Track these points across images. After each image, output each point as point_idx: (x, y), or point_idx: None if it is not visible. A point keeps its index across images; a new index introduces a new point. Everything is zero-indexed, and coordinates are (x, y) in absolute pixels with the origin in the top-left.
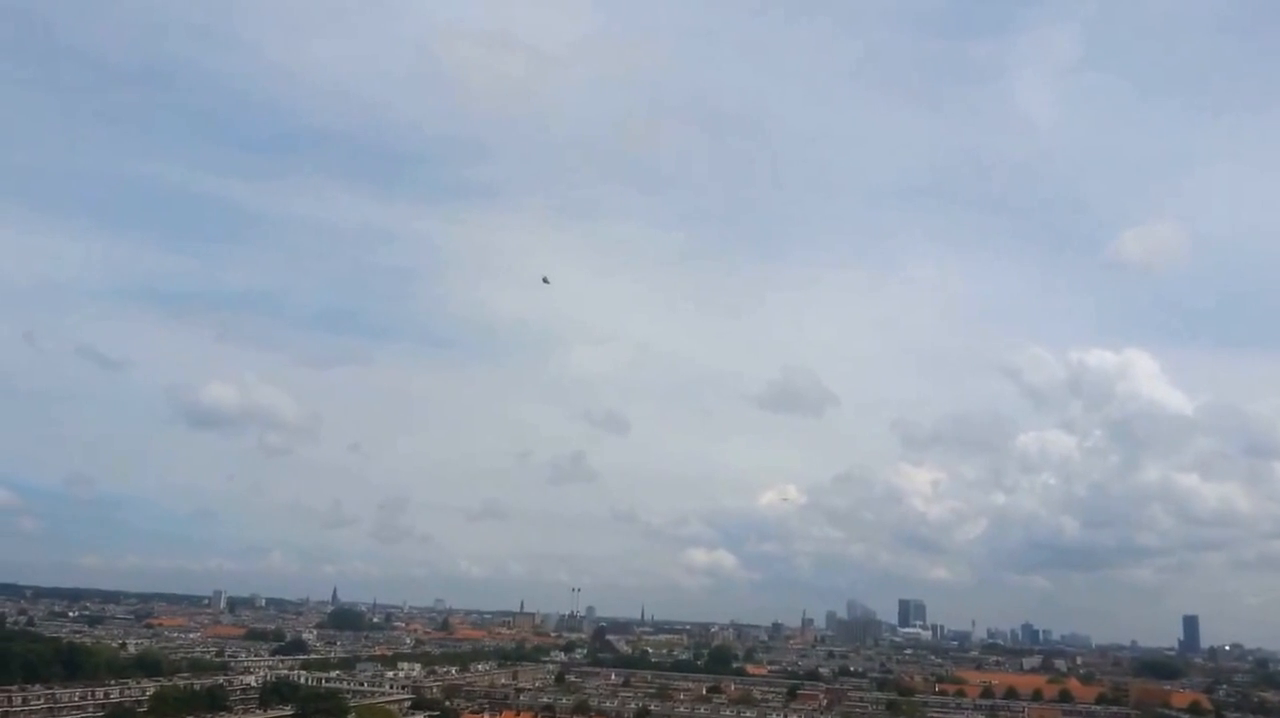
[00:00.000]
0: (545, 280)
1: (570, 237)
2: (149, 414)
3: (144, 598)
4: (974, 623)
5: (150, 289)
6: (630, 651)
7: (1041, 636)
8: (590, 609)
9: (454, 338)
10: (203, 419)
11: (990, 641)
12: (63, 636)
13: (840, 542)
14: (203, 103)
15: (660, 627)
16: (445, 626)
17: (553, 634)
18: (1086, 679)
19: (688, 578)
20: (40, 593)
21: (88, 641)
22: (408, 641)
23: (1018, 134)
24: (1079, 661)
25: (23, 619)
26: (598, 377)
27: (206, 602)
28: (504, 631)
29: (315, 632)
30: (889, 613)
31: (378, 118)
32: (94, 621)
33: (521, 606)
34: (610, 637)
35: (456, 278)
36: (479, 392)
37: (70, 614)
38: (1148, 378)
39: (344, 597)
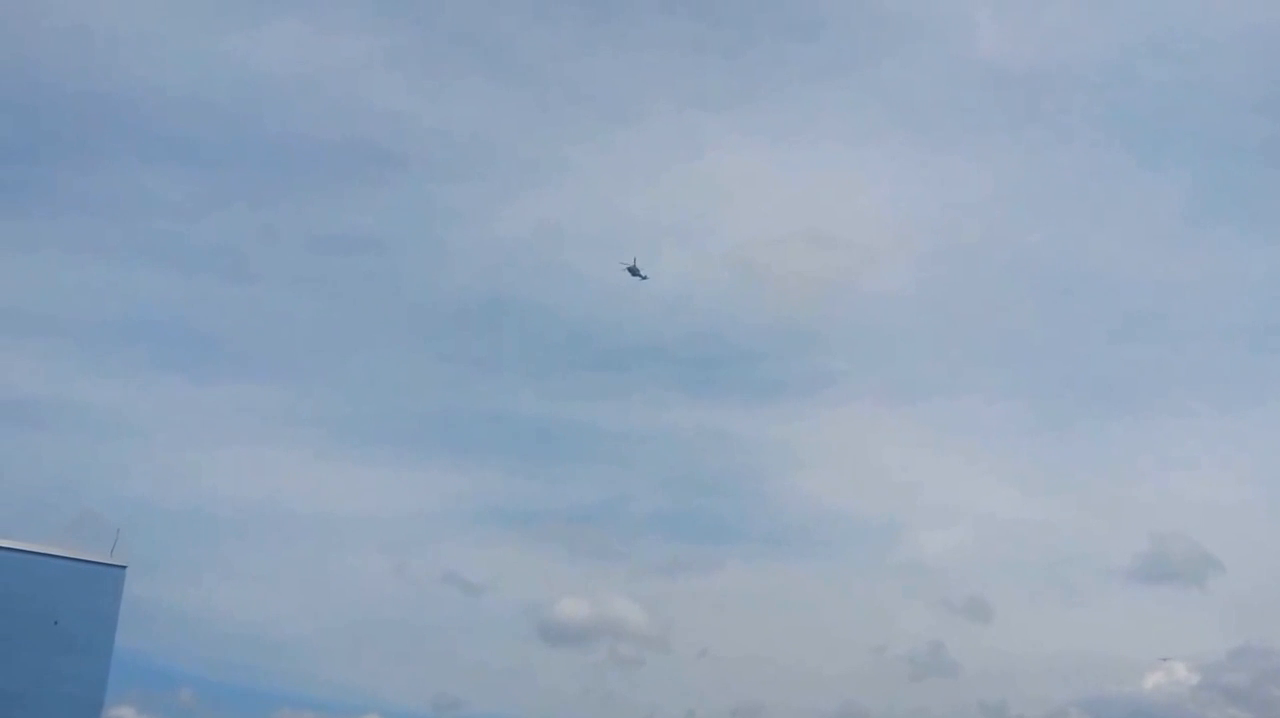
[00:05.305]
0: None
1: (904, 418)
2: (508, 634)
3: None
4: None
5: (505, 512)
6: None
7: None
8: None
9: (796, 534)
10: (558, 635)
11: None
12: None
13: None
14: (537, 332)
15: None
16: None
17: None
18: None
19: None
20: None
21: None
22: None
23: None
24: None
25: None
26: (949, 561)
27: None
28: None
29: None
30: None
31: (702, 326)
32: None
33: None
34: None
35: (793, 472)
36: (824, 587)
37: None
38: None
39: None
